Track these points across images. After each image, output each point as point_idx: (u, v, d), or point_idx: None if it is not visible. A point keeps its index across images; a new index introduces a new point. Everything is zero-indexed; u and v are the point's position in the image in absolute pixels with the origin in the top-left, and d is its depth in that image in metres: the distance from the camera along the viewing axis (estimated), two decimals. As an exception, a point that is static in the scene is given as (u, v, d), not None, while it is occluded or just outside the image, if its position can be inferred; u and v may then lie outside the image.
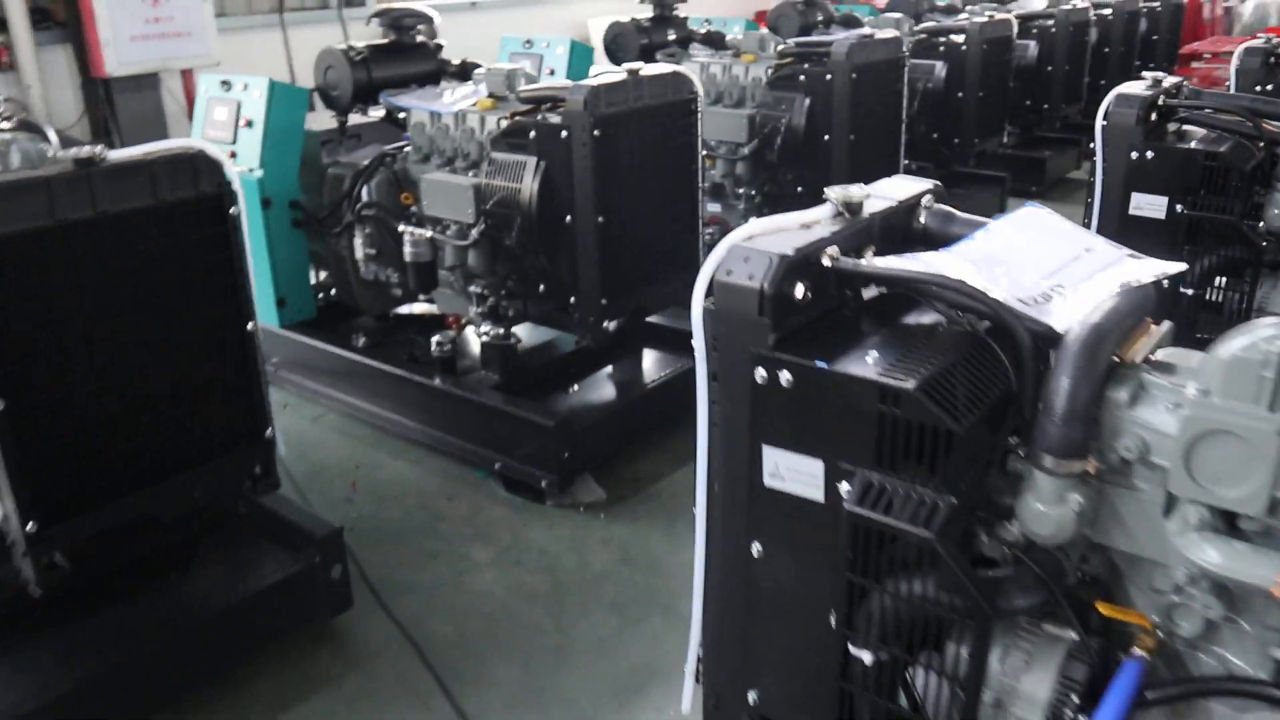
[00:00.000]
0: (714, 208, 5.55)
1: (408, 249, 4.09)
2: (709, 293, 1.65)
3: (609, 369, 4.47)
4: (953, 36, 6.69)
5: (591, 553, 3.56)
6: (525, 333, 4.38)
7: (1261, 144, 3.05)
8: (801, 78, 5.28)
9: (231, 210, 2.73)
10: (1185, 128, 3.25)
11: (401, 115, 4.58)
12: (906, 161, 5.88)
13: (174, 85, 7.02)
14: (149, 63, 6.64)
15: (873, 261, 1.69)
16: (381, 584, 3.37)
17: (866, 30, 5.88)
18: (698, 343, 1.68)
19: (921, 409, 1.44)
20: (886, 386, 1.47)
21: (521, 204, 3.78)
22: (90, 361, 2.52)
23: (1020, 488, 1.54)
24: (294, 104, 4.62)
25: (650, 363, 4.55)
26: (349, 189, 4.39)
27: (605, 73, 3.85)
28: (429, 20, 5.01)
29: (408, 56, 4.93)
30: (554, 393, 4.25)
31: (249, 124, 4.55)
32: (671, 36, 6.34)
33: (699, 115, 4.09)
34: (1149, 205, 3.12)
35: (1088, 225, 3.25)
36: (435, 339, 4.30)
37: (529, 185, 3.76)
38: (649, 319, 4.57)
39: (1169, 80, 3.27)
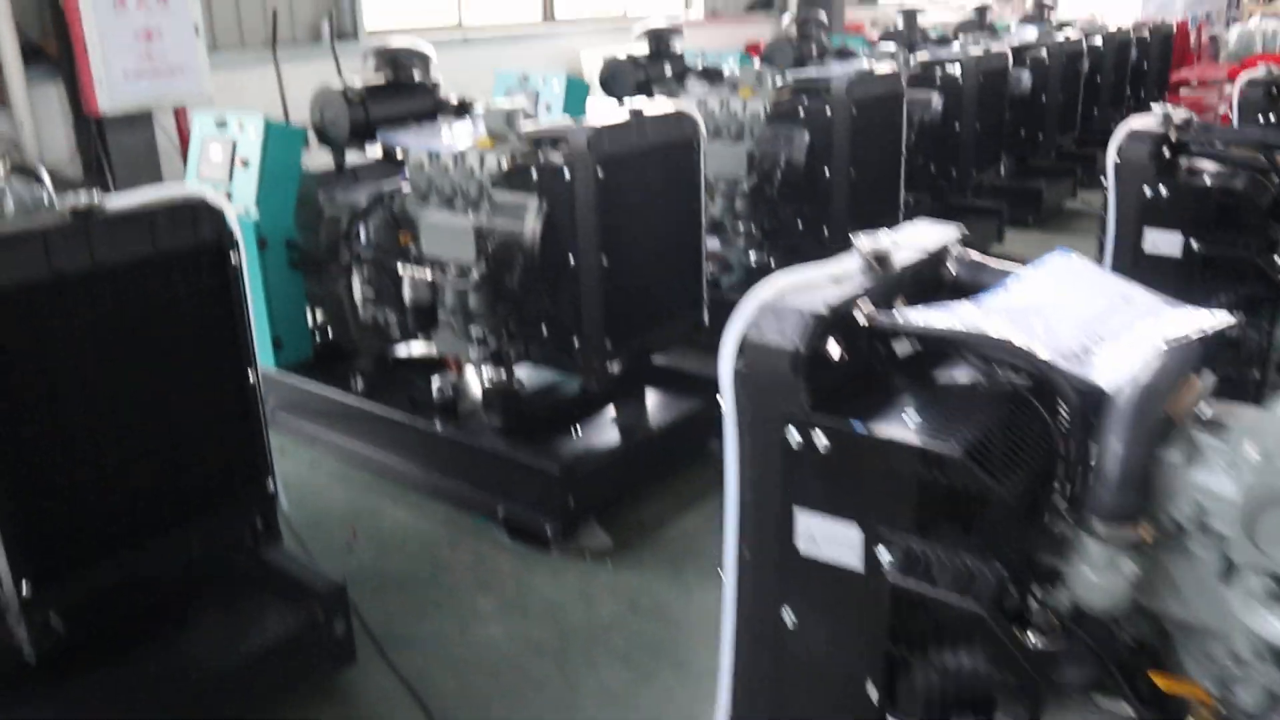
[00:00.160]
0: (713, 244, 5.50)
1: (408, 290, 4.03)
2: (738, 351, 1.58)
3: (612, 411, 4.39)
4: (949, 68, 6.69)
5: (598, 602, 3.47)
6: (526, 374, 4.31)
7: (1276, 178, 3.02)
8: (801, 112, 5.25)
9: (233, 258, 2.67)
10: (1197, 162, 3.22)
11: (399, 154, 4.52)
12: (906, 195, 5.85)
13: (167, 122, 6.96)
14: (142, 100, 6.59)
15: (908, 317, 1.63)
16: (384, 636, 3.27)
17: (865, 65, 5.86)
18: (726, 403, 1.62)
19: (968, 474, 1.37)
20: (930, 452, 1.40)
21: (523, 245, 3.73)
22: (86, 416, 2.45)
23: (1069, 554, 1.47)
24: (290, 144, 4.56)
25: (654, 404, 4.46)
26: (346, 229, 4.33)
27: (607, 111, 3.80)
28: (426, 58, 4.96)
29: (405, 95, 4.87)
30: (557, 436, 4.16)
31: (245, 164, 4.49)
32: (668, 72, 6.32)
33: (703, 154, 4.05)
34: (1165, 242, 3.08)
35: (1100, 262, 3.21)
36: (436, 383, 4.23)
37: (531, 226, 3.71)
38: (652, 360, 4.50)
39: (1179, 114, 3.23)
